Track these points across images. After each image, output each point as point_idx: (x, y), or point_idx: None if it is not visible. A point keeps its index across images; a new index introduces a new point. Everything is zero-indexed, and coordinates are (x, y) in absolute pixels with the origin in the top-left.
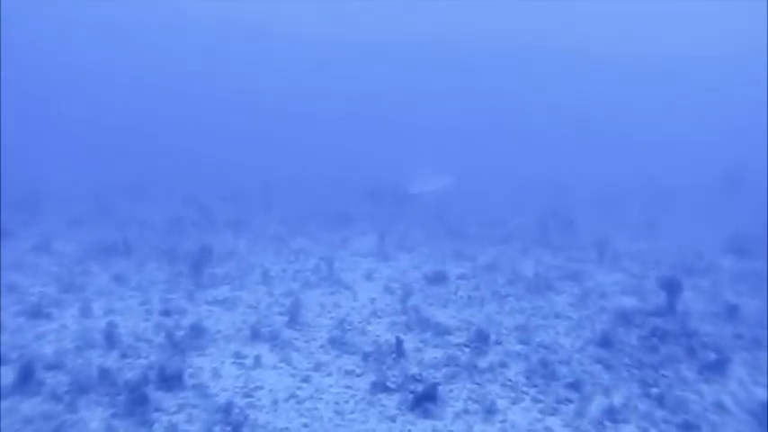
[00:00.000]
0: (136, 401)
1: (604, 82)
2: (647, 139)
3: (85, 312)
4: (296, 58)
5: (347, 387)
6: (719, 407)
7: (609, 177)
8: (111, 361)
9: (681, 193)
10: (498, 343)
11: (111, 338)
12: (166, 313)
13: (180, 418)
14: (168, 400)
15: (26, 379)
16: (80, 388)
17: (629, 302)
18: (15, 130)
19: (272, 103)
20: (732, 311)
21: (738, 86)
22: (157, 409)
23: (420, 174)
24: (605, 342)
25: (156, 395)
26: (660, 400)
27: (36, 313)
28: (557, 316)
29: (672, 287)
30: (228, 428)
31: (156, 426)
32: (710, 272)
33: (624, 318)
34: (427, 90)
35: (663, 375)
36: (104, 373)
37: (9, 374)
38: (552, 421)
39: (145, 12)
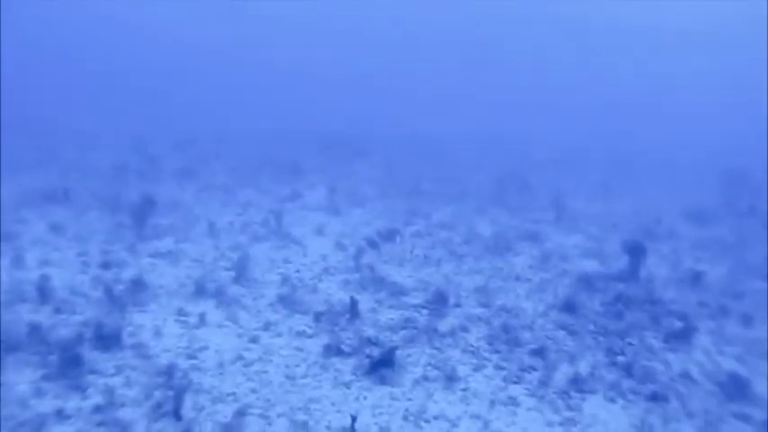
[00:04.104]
0: (69, 362)
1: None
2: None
3: (18, 263)
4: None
5: (298, 349)
6: (686, 377)
7: (566, 139)
8: (44, 317)
9: (636, 158)
10: (458, 305)
11: (44, 292)
12: (105, 266)
13: (117, 381)
14: (105, 362)
15: None
16: (8, 347)
17: (590, 266)
18: None
19: (234, 51)
20: (696, 279)
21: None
22: (93, 371)
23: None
24: (568, 307)
25: (91, 355)
26: (627, 370)
27: None
28: (517, 278)
29: (636, 251)
30: (170, 393)
31: (90, 390)
32: (670, 237)
33: (587, 282)
34: (406, 46)
35: (629, 343)
36: (35, 331)
37: None
38: (516, 390)
39: None
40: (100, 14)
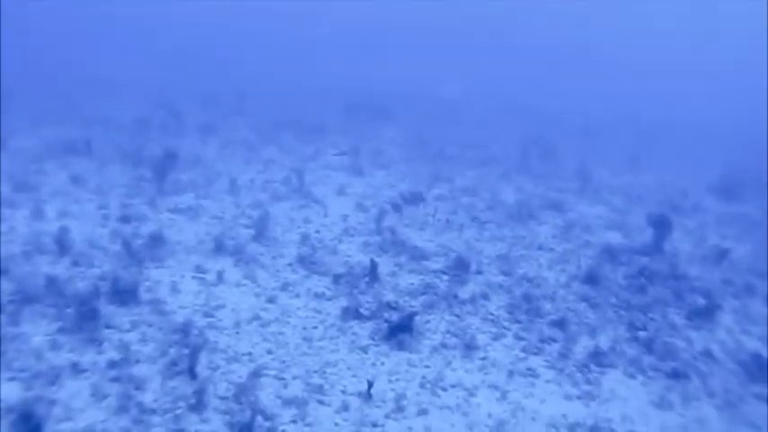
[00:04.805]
0: (85, 316)
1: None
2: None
3: (38, 214)
4: None
5: (316, 311)
6: (708, 356)
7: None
8: (61, 269)
9: (664, 126)
10: (479, 272)
11: (62, 244)
12: (125, 219)
13: (133, 336)
14: (121, 316)
15: None
16: (25, 298)
17: (614, 238)
18: None
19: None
20: (721, 256)
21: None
22: (108, 326)
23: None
24: (591, 279)
25: (107, 310)
26: (648, 346)
27: None
28: (540, 247)
29: (661, 225)
30: (186, 351)
31: (105, 344)
32: (696, 212)
33: (610, 254)
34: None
35: (651, 319)
36: (52, 283)
37: None
38: (535, 361)
39: None
40: None
